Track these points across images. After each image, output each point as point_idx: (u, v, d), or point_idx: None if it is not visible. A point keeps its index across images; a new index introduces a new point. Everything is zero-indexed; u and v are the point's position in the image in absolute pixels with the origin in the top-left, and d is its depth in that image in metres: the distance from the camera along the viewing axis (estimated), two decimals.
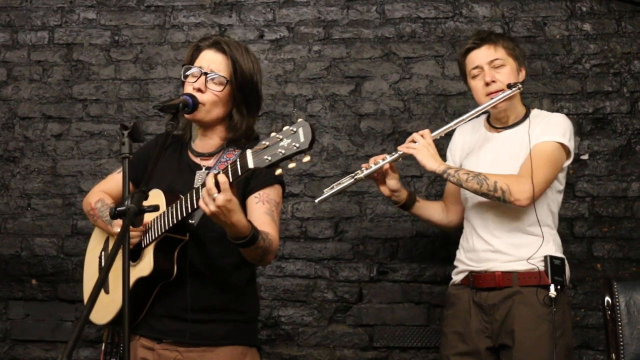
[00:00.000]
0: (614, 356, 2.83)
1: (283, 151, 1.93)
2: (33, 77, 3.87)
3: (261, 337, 3.52)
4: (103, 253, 2.64)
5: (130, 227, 2.29)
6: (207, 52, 2.50)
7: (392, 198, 3.03)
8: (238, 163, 2.05)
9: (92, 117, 3.81)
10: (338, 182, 2.97)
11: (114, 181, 2.69)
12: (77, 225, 3.73)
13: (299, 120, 1.94)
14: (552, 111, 3.54)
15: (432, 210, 3.14)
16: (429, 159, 2.83)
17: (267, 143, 1.97)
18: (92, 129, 3.80)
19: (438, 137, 2.93)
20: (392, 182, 2.97)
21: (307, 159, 1.95)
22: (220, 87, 2.45)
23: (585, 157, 3.56)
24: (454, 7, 3.74)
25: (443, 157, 3.04)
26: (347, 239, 3.60)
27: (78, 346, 3.53)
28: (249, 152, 2.01)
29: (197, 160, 2.54)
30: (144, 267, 2.35)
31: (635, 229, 3.49)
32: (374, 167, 2.91)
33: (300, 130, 1.91)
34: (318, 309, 3.56)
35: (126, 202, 1.99)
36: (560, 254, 2.84)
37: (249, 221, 2.23)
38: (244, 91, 2.48)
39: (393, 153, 2.92)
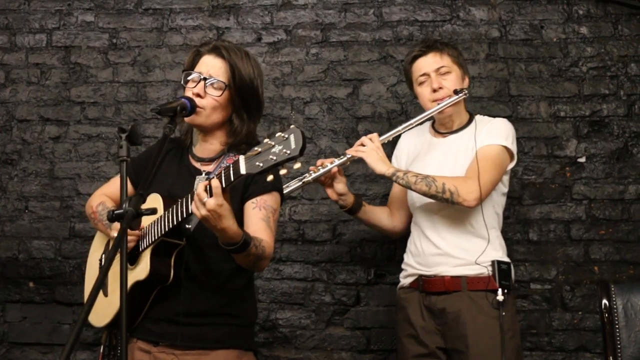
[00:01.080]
0: (611, 359, 2.83)
1: (274, 157, 1.95)
2: (31, 80, 3.87)
3: (259, 340, 3.52)
4: (103, 256, 2.65)
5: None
6: (206, 57, 2.51)
7: (339, 202, 3.06)
8: (231, 169, 2.06)
9: (90, 120, 3.81)
10: (286, 185, 2.99)
11: (116, 184, 2.69)
12: (74, 227, 3.72)
13: (291, 126, 1.96)
14: (550, 114, 3.59)
15: (378, 215, 3.18)
16: (378, 162, 2.88)
17: (259, 149, 1.99)
18: (90, 131, 3.80)
19: (386, 141, 2.98)
20: (340, 185, 3.01)
21: (297, 165, 1.98)
22: (219, 92, 2.45)
23: (583, 159, 3.57)
24: (451, 10, 3.75)
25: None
26: (345, 242, 3.61)
27: (76, 349, 3.53)
28: (242, 158, 2.03)
29: (198, 165, 2.55)
30: (141, 271, 2.36)
31: (632, 231, 3.50)
32: (322, 170, 2.95)
33: (292, 137, 1.93)
34: (315, 311, 3.56)
35: (124, 205, 2.00)
36: (505, 257, 2.92)
37: (241, 228, 2.24)
38: (243, 96, 2.49)
39: (341, 156, 2.97)
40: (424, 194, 2.82)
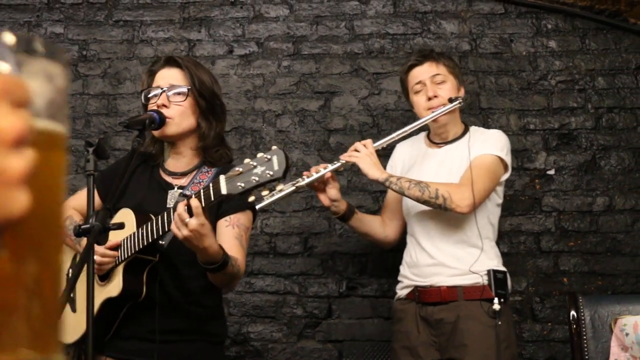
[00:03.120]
0: None
1: (257, 178, 1.94)
2: None
3: (230, 353, 3.50)
4: (70, 271, 2.60)
5: (105, 250, 2.30)
6: (161, 72, 2.54)
7: (331, 208, 3.03)
8: (211, 188, 2.05)
9: None
10: (279, 189, 2.98)
11: (83, 198, 2.62)
12: None
13: (274, 147, 1.96)
14: (519, 127, 3.62)
15: (371, 224, 3.17)
16: (371, 168, 2.86)
17: (241, 169, 1.98)
18: None
19: (380, 148, 2.97)
20: (332, 191, 2.98)
21: (280, 187, 1.98)
22: (183, 98, 2.47)
23: (552, 172, 3.61)
24: (422, 23, 3.78)
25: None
26: (316, 255, 3.60)
27: None
28: (222, 178, 2.02)
29: (169, 179, 2.53)
30: (113, 287, 2.33)
31: (600, 243, 3.54)
32: (315, 175, 2.92)
33: (275, 158, 1.93)
34: (287, 324, 3.55)
35: (91, 220, 1.99)
36: (501, 267, 2.91)
37: (221, 247, 2.23)
38: (205, 98, 2.51)
39: (335, 162, 2.95)
40: (417, 200, 2.82)
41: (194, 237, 2.08)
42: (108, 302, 2.33)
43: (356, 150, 2.92)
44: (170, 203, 2.44)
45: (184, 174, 2.52)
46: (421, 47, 3.74)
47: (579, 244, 3.55)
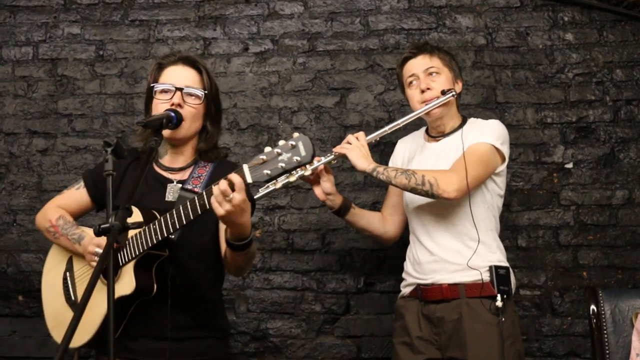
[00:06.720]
0: None
1: (283, 165, 1.97)
2: (18, 93, 3.85)
3: (249, 349, 3.52)
4: (68, 273, 2.57)
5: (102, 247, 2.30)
6: (174, 68, 2.53)
7: (327, 202, 3.01)
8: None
9: (77, 132, 3.80)
10: (273, 181, 2.89)
11: (72, 197, 2.66)
12: None
13: (296, 134, 1.99)
14: (536, 120, 3.61)
15: (369, 219, 3.14)
16: (359, 159, 2.83)
17: (265, 157, 2.00)
18: (77, 143, 3.79)
19: (373, 141, 2.95)
20: (327, 184, 2.95)
21: (308, 172, 2.01)
22: (198, 101, 2.49)
23: (570, 165, 3.59)
24: (437, 18, 3.77)
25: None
26: (334, 251, 3.61)
27: None
28: (245, 167, 2.04)
29: (166, 174, 2.55)
30: (125, 285, 2.32)
31: (620, 236, 3.51)
32: (309, 168, 2.88)
33: (301, 144, 1.96)
34: (306, 320, 3.56)
35: (110, 220, 2.00)
36: (504, 262, 2.87)
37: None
38: (215, 105, 2.55)
39: (328, 154, 2.92)
40: (405, 188, 2.79)
41: (236, 211, 2.09)
42: (117, 301, 2.32)
43: (348, 143, 2.90)
44: (169, 197, 2.46)
45: (181, 169, 2.55)
46: (436, 41, 3.73)
47: (598, 237, 3.52)
